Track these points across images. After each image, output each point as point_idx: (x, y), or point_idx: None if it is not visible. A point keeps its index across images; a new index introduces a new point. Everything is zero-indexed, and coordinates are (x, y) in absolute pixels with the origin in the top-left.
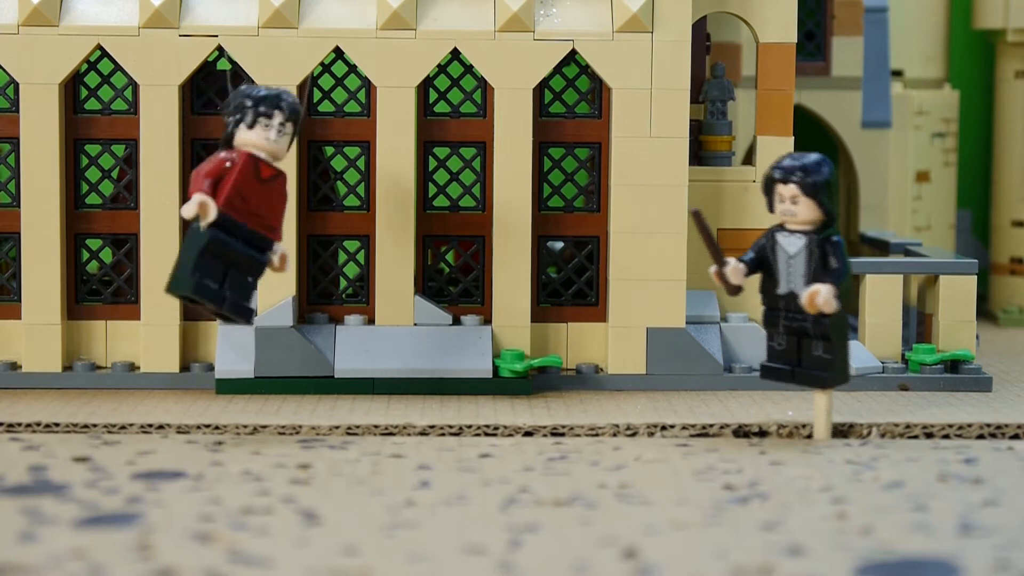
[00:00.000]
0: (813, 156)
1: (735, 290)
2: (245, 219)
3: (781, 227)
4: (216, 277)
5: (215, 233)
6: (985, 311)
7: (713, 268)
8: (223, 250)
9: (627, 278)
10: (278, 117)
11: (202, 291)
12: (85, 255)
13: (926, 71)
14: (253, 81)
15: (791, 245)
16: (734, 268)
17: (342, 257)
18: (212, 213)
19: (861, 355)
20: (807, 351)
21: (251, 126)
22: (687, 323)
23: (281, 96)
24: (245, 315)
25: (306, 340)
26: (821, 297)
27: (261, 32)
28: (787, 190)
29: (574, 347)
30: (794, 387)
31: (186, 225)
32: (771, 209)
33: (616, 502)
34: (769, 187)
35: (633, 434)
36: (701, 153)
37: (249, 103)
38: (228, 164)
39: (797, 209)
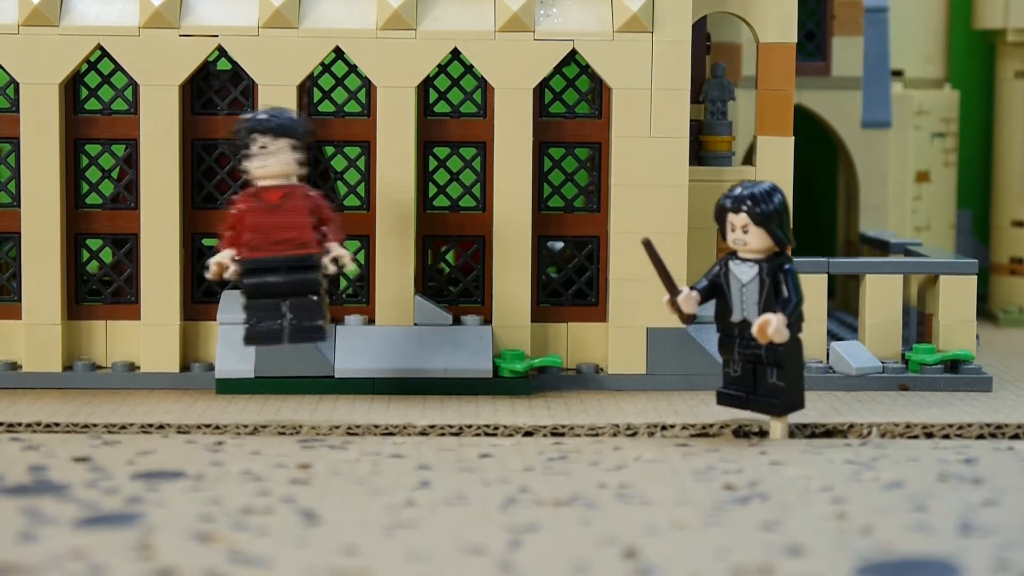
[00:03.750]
0: (764, 185)
1: (688, 319)
2: (271, 251)
3: (734, 255)
4: (272, 315)
5: (246, 279)
6: (985, 311)
7: (666, 298)
8: (262, 290)
9: (627, 278)
10: (258, 141)
11: (256, 339)
12: (85, 255)
13: (926, 71)
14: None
15: (744, 274)
16: (686, 297)
17: None
18: (231, 268)
19: (861, 355)
20: (761, 378)
21: (246, 159)
22: None
23: (251, 121)
24: (311, 334)
25: None
26: (772, 327)
27: (261, 32)
28: (738, 219)
29: (574, 347)
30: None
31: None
32: (724, 237)
33: (616, 502)
34: (721, 216)
35: (633, 434)
36: (701, 153)
37: (238, 139)
38: (234, 211)
39: (748, 238)
